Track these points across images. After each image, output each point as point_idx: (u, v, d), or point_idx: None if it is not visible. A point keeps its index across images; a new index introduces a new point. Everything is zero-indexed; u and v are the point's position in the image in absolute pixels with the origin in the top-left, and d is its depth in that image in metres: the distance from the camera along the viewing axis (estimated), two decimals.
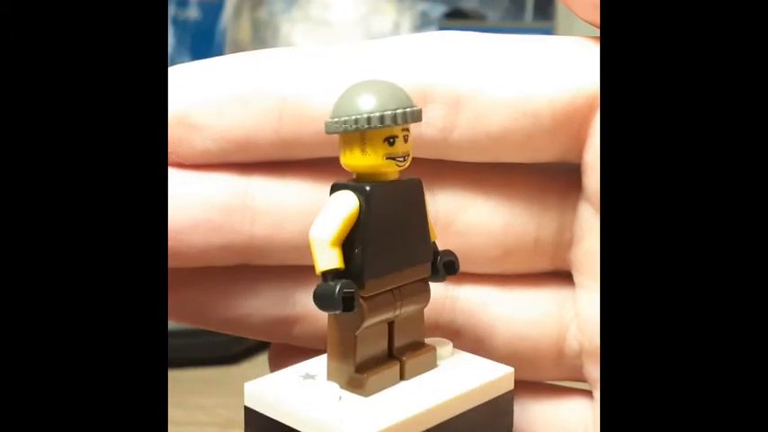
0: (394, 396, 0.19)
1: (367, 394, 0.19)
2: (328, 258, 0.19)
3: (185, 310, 0.23)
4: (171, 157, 0.21)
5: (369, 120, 0.19)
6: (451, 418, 0.19)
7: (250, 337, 0.24)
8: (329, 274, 0.19)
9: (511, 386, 0.20)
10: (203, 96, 0.21)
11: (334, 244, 0.19)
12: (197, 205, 0.21)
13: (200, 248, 0.21)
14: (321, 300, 0.18)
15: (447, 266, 0.21)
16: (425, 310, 0.21)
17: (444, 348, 0.21)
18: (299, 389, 0.19)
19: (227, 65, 0.22)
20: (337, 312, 0.18)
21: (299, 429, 0.18)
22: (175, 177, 0.21)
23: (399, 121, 0.19)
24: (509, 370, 0.20)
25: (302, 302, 0.23)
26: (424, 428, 0.19)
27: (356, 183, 0.19)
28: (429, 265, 0.20)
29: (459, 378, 0.20)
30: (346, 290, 0.18)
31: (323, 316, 0.23)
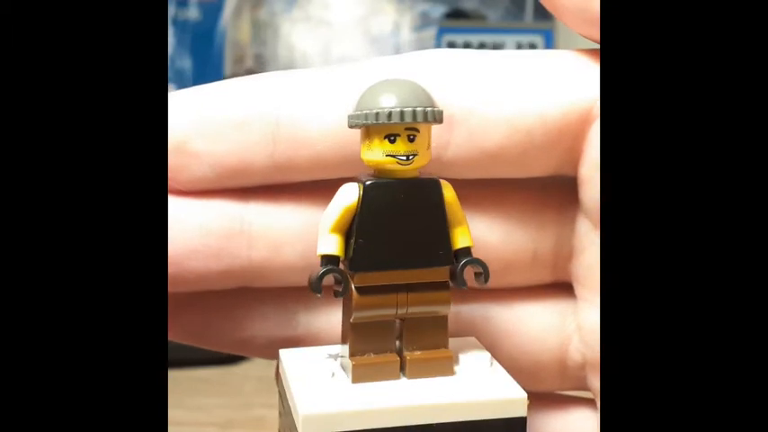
0: (377, 388, 0.19)
1: (353, 381, 0.20)
2: (324, 244, 0.20)
3: (190, 332, 0.23)
4: (170, 185, 0.22)
5: (366, 116, 0.19)
6: (425, 425, 0.19)
7: (256, 357, 0.24)
8: (322, 259, 0.20)
9: (521, 413, 0.19)
10: (199, 123, 0.21)
11: (332, 231, 0.20)
12: (195, 232, 0.21)
13: (200, 274, 0.22)
14: (308, 282, 0.20)
15: (476, 276, 0.20)
16: None
17: (479, 360, 0.21)
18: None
19: (221, 90, 0.22)
20: (318, 295, 0.19)
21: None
22: (174, 204, 0.22)
23: (395, 119, 0.19)
24: (520, 395, 0.19)
25: (304, 323, 0.23)
26: (381, 426, 0.19)
27: (369, 177, 0.20)
28: (445, 269, 0.20)
29: (453, 389, 0.20)
30: (329, 275, 0.19)
31: (325, 335, 0.23)
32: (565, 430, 0.24)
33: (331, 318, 0.23)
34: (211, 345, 0.23)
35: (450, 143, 0.21)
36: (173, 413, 0.24)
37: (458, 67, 0.22)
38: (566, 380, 0.24)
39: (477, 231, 0.22)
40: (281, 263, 0.22)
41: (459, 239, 0.20)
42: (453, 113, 0.21)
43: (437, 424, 0.19)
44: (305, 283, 0.21)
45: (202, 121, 0.21)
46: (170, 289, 0.21)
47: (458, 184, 0.21)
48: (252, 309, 0.23)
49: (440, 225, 0.20)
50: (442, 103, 0.21)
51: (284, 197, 0.22)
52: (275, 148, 0.21)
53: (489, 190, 0.23)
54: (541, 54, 0.22)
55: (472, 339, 0.22)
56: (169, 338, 0.21)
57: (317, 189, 0.22)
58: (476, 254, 0.21)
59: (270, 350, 0.23)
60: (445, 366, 0.20)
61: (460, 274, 0.20)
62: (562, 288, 0.24)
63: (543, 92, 0.21)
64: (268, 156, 0.21)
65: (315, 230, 0.20)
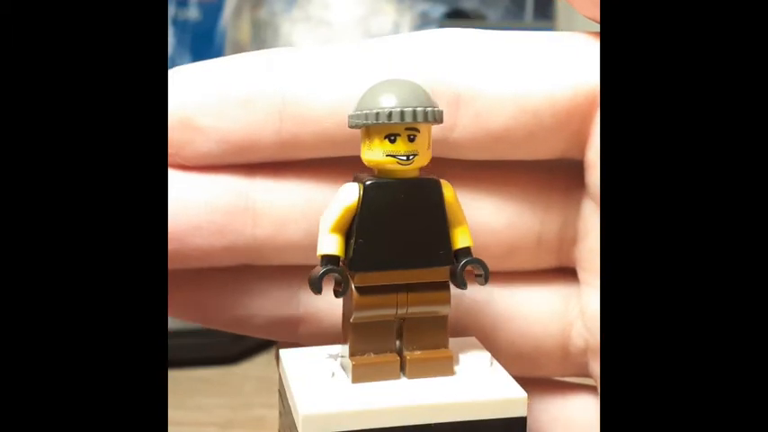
0: (377, 388, 0.20)
1: (353, 381, 0.20)
2: (325, 244, 0.20)
3: (191, 310, 0.23)
4: (174, 159, 0.21)
5: (366, 116, 0.19)
6: (425, 425, 0.19)
7: (256, 336, 0.24)
8: (322, 259, 0.20)
9: (521, 413, 0.19)
10: (206, 98, 0.21)
11: (333, 231, 0.20)
12: (200, 208, 0.21)
13: (204, 250, 0.22)
14: (309, 281, 0.20)
15: (476, 276, 0.21)
16: None
17: (479, 360, 0.21)
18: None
19: (228, 66, 0.22)
20: (318, 295, 0.20)
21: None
22: (178, 180, 0.21)
23: (395, 118, 0.19)
24: (520, 395, 0.20)
25: (306, 302, 0.23)
26: (381, 426, 0.19)
27: (369, 177, 0.20)
28: (446, 268, 0.20)
29: (453, 389, 0.20)
30: (329, 275, 0.20)
31: (327, 315, 0.23)
32: (565, 417, 0.24)
33: (332, 298, 0.23)
34: (211, 323, 0.23)
35: (456, 124, 0.21)
36: (173, 413, 0.24)
37: (465, 46, 0.21)
38: (567, 365, 0.24)
39: (483, 214, 0.22)
40: (285, 240, 0.22)
41: (460, 239, 0.20)
42: (460, 94, 0.21)
43: (437, 424, 0.19)
44: (307, 262, 0.21)
45: (208, 97, 0.21)
46: (172, 266, 0.21)
47: (464, 166, 0.21)
48: (253, 287, 0.23)
49: (440, 225, 0.20)
50: (448, 82, 0.21)
51: (290, 174, 0.22)
52: (282, 125, 0.21)
53: (495, 172, 0.23)
54: (550, 35, 0.22)
55: (472, 339, 0.22)
56: (168, 315, 0.21)
57: (323, 166, 0.22)
58: (481, 236, 0.21)
59: (270, 329, 0.23)
60: (445, 366, 0.20)
61: (461, 274, 0.20)
62: (566, 273, 0.24)
63: (552, 73, 0.21)
64: (274, 132, 0.21)
65: (320, 208, 0.20)
